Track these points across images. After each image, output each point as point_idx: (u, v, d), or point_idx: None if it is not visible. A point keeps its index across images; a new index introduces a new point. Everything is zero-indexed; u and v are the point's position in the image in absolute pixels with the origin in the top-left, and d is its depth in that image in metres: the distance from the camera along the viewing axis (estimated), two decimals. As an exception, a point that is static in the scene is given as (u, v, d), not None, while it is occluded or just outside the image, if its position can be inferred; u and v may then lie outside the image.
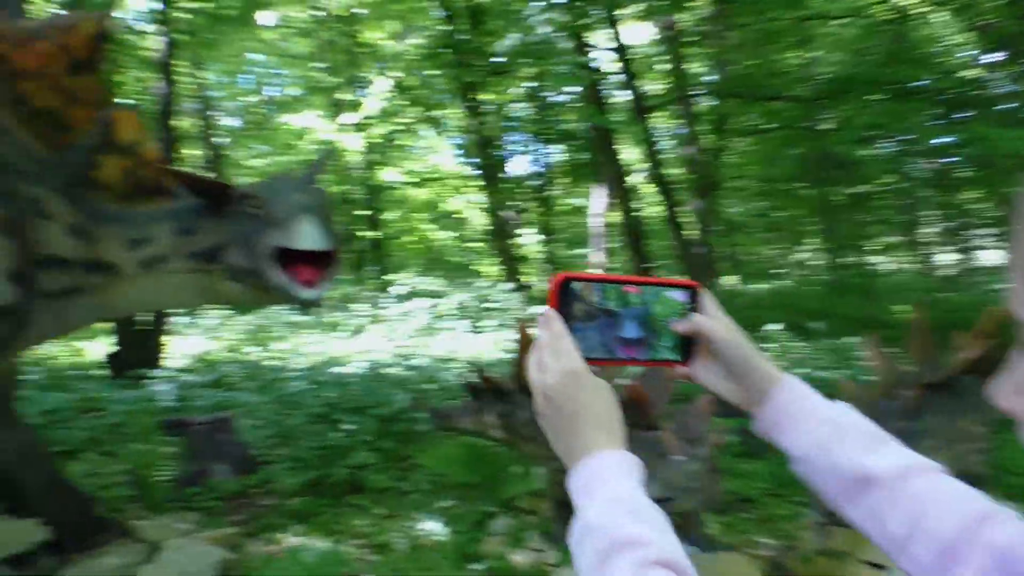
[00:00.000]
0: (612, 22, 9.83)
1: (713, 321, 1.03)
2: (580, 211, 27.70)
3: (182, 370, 8.69)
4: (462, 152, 20.98)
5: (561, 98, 20.68)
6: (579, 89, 14.13)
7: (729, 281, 22.67)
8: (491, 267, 21.17)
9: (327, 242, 2.94)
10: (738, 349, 1.02)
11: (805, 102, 10.49)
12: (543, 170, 20.74)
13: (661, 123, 23.92)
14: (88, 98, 3.00)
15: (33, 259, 2.98)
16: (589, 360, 0.99)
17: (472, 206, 24.48)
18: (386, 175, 25.67)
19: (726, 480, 5.12)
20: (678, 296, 1.05)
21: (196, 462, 5.60)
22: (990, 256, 24.97)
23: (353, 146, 22.80)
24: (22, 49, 2.87)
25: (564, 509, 4.38)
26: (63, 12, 3.25)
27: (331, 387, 7.09)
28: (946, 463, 3.50)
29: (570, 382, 0.94)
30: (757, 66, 14.24)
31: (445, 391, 8.22)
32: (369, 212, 22.07)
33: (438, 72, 17.15)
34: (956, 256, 25.47)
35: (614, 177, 11.87)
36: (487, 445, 5.25)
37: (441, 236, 28.02)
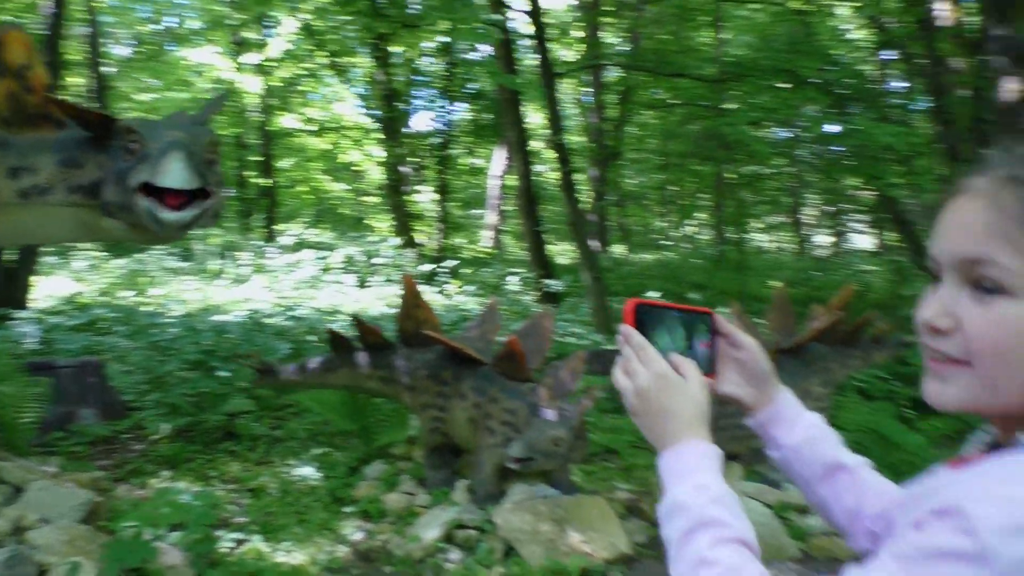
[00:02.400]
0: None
1: (748, 337, 1.20)
2: (479, 172, 27.76)
3: (48, 311, 8.28)
4: (365, 103, 20.52)
5: (472, 56, 20.50)
6: (490, 49, 14.06)
7: (618, 249, 23.29)
8: (383, 222, 20.96)
9: (193, 180, 2.86)
10: (761, 361, 1.20)
11: (709, 82, 10.86)
12: (446, 128, 20.55)
13: (569, 90, 24.14)
14: None
15: None
16: None
17: (370, 159, 24.06)
18: (284, 121, 24.82)
19: (594, 433, 5.40)
20: (699, 319, 1.20)
21: (62, 406, 5.39)
22: (861, 240, 26.69)
23: (252, 88, 21.91)
24: None
25: (436, 456, 4.52)
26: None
27: (208, 335, 6.94)
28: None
29: (660, 383, 1.06)
30: (669, 42, 14.54)
31: (325, 343, 8.19)
32: (263, 158, 21.32)
33: (350, 17, 16.61)
34: (831, 239, 27.05)
35: (516, 140, 11.94)
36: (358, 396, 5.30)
37: (335, 188, 27.39)
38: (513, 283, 12.36)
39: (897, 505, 1.02)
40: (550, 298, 12.44)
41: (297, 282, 12.90)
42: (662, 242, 28.81)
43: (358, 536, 4.12)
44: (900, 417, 5.67)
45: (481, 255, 21.59)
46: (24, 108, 3.09)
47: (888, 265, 17.99)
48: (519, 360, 4.12)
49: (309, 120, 25.21)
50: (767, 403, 1.21)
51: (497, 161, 22.73)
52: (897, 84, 15.48)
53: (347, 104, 25.25)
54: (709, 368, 1.19)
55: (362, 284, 13.53)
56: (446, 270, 12.24)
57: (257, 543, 3.91)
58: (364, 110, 21.73)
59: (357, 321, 4.87)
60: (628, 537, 4.04)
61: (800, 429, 1.20)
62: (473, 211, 26.86)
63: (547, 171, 21.35)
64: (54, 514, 3.49)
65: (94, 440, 5.24)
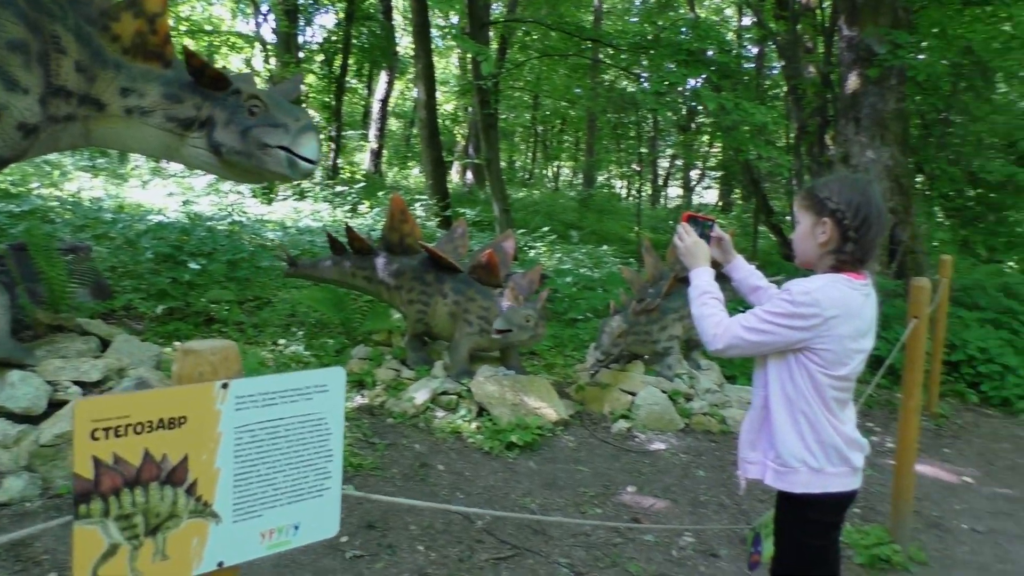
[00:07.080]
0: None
1: (723, 232, 2.55)
2: (354, 92, 27.87)
3: (-18, 196, 8.46)
4: (253, 9, 20.20)
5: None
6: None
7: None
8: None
9: (319, 155, 3.98)
10: (730, 244, 2.55)
11: (626, 50, 11.83)
12: (339, 46, 20.64)
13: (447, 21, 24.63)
14: None
15: (51, 86, 3.55)
16: None
17: (250, 69, 23.58)
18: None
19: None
20: (707, 222, 2.53)
21: (56, 283, 6.00)
22: (709, 195, 29.48)
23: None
24: None
25: (416, 341, 5.67)
26: None
27: (172, 231, 7.57)
28: (682, 330, 5.76)
29: (693, 245, 2.39)
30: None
31: (263, 248, 8.96)
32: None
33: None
34: (681, 191, 29.62)
35: (424, 72, 12.75)
36: (342, 291, 6.33)
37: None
38: (417, 209, 13.33)
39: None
40: (446, 224, 13.54)
41: (200, 188, 13.18)
42: (531, 180, 30.37)
43: (359, 398, 5.23)
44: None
45: (362, 177, 22.13)
46: (145, 45, 3.86)
47: (735, 221, 20.48)
48: (494, 269, 5.32)
49: (184, 19, 24.29)
50: (729, 262, 2.57)
51: (381, 84, 23.15)
52: (768, 65, 17.59)
53: (225, 7, 24.52)
54: (708, 241, 2.60)
55: (263, 196, 13.99)
56: (354, 192, 13.00)
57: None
58: (249, 16, 21.32)
59: (348, 229, 5.85)
60: (565, 408, 5.42)
61: (742, 272, 2.55)
62: (358, 131, 27.07)
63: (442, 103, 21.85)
64: (136, 362, 4.34)
65: (92, 315, 5.91)
